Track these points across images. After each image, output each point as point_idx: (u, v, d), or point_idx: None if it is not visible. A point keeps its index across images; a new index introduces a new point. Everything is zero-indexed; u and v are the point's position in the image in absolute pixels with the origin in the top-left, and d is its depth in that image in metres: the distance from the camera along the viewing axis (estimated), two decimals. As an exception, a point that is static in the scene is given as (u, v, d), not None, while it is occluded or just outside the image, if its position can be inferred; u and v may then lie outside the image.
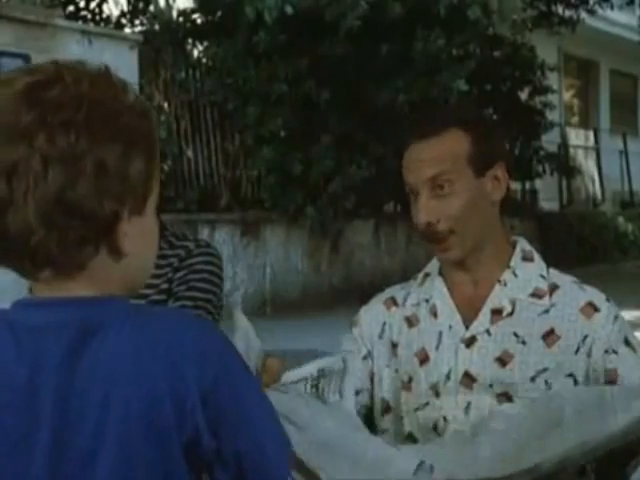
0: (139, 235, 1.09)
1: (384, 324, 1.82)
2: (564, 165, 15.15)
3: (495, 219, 1.77)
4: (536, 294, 1.73)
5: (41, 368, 1.04)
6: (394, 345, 1.79)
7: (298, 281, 9.78)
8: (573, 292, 1.73)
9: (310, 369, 1.50)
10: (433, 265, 1.83)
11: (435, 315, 1.76)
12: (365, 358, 1.81)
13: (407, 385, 1.75)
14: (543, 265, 1.78)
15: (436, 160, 1.69)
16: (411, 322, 1.79)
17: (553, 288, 1.73)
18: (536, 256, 1.80)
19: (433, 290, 1.78)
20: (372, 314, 1.84)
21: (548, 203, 15.21)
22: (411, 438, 1.70)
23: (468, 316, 1.72)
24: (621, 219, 16.00)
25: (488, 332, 1.70)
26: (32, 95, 1.03)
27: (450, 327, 1.73)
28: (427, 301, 1.78)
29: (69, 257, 1.04)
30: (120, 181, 1.04)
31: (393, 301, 1.83)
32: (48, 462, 1.03)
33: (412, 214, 1.74)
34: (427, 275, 1.83)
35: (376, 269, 10.59)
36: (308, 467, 1.26)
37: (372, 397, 1.80)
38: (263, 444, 1.07)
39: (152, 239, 1.14)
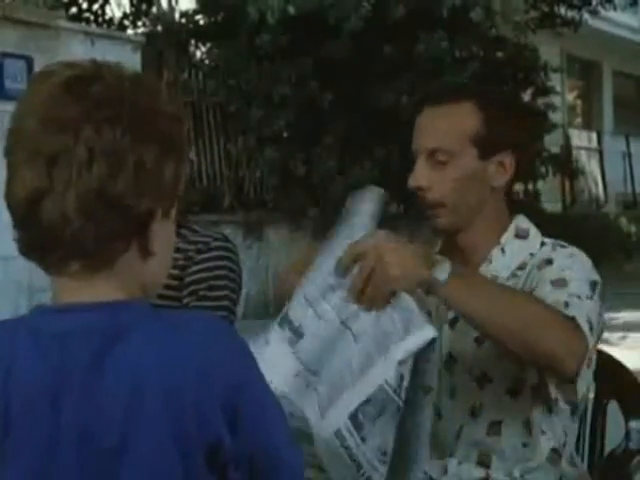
0: (165, 237, 1.11)
1: None
2: (567, 167, 15.12)
3: (494, 204, 1.72)
4: (519, 270, 1.69)
5: (67, 374, 1.04)
6: None
7: (301, 282, 9.77)
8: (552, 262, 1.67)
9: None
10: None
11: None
12: None
13: None
14: (537, 242, 1.74)
15: (440, 133, 1.65)
16: None
17: (540, 265, 1.67)
18: (532, 232, 1.75)
19: None
20: None
21: (551, 205, 15.18)
22: None
23: None
24: (624, 220, 15.97)
25: None
26: (75, 88, 1.04)
27: (437, 307, 1.69)
28: None
29: (101, 250, 1.05)
30: (156, 181, 1.06)
31: None
32: (75, 467, 1.03)
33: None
34: None
35: (379, 270, 10.56)
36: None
37: None
38: (277, 448, 1.09)
39: (172, 243, 1.17)
